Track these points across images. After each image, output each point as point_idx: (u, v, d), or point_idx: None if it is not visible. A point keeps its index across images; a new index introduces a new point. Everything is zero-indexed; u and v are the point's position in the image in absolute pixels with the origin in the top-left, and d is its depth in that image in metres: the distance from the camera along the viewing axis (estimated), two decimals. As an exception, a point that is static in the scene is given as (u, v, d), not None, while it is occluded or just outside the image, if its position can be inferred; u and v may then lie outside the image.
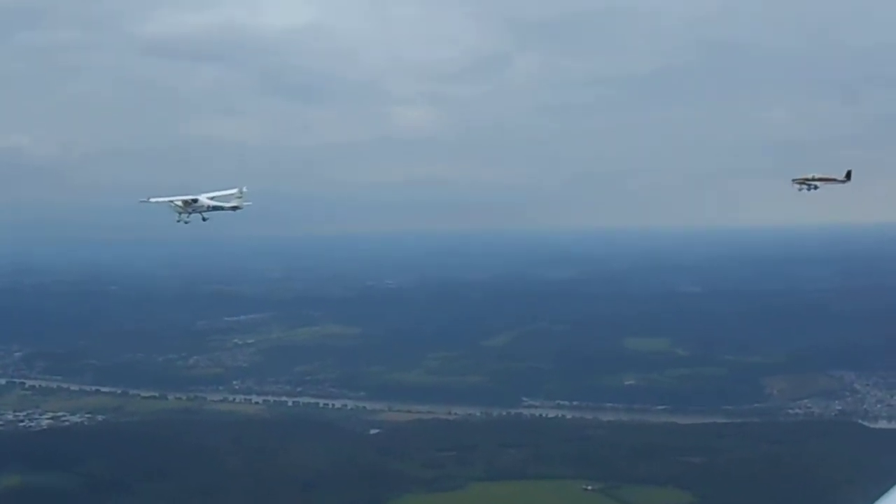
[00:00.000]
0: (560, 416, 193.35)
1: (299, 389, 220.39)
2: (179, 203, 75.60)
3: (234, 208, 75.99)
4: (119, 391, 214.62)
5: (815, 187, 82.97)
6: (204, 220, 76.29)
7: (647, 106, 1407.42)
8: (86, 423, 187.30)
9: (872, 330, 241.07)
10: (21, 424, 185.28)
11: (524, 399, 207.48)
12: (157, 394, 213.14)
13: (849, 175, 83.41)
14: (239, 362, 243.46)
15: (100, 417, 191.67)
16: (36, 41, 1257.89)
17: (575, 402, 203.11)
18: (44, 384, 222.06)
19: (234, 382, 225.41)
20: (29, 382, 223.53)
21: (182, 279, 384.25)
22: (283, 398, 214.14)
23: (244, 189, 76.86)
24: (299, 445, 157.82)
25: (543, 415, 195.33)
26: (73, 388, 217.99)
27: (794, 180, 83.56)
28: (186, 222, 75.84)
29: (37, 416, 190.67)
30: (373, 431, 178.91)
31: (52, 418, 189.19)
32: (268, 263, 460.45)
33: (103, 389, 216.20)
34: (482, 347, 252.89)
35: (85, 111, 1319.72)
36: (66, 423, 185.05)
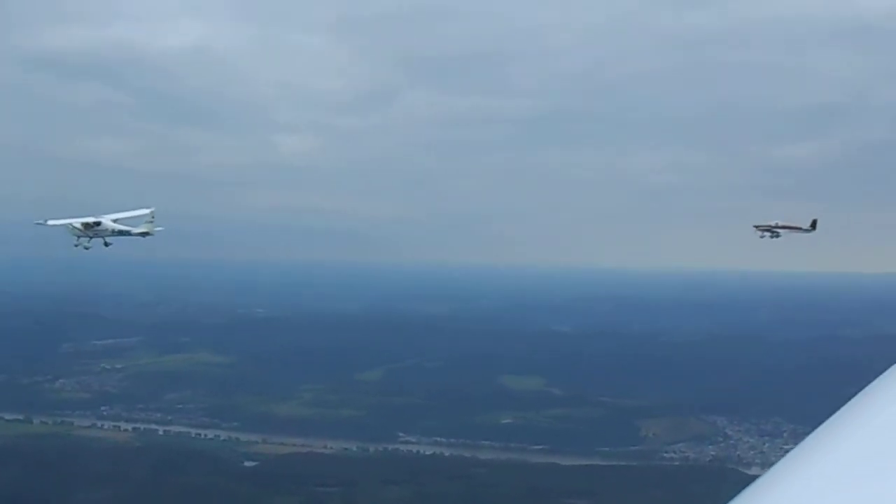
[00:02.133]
0: (438, 452, 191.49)
1: (170, 418, 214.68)
2: (80, 226, 70.29)
3: (144, 234, 70.76)
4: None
5: (778, 235, 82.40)
6: (106, 245, 71.31)
7: (530, 147, 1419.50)
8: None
9: (743, 376, 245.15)
10: None
11: (400, 434, 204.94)
12: (21, 417, 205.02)
13: (814, 224, 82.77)
14: (107, 387, 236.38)
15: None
16: None
17: (452, 440, 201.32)
18: None
19: (103, 408, 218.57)
20: None
21: (48, 299, 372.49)
22: (154, 426, 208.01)
23: (153, 212, 72.15)
24: (172, 476, 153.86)
25: (421, 451, 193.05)
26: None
27: (756, 226, 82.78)
28: (87, 248, 70.48)
29: None
30: (248, 464, 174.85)
31: None
32: (137, 287, 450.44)
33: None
34: (356, 381, 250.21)
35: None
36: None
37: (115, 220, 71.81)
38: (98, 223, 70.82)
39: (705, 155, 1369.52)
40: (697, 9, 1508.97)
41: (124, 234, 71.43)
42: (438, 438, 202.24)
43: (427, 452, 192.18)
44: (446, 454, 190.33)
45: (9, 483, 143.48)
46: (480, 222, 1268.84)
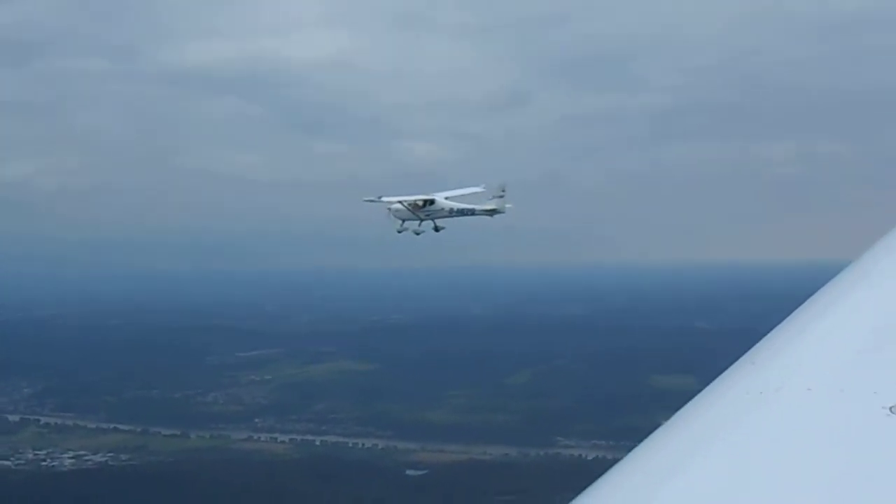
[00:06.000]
0: (601, 456, 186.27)
1: (324, 428, 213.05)
2: (408, 205, 62.03)
3: (492, 212, 61.04)
4: (139, 429, 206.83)
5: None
6: (437, 230, 62.29)
7: (658, 142, 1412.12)
8: (110, 462, 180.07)
9: None
10: (43, 464, 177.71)
11: (559, 439, 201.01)
12: (178, 432, 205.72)
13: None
14: (258, 399, 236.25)
15: (123, 457, 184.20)
16: (53, 68, 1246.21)
17: (611, 442, 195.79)
18: (59, 421, 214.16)
19: (256, 420, 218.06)
20: (43, 419, 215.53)
21: (180, 312, 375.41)
22: (309, 437, 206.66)
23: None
24: (339, 487, 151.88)
25: (583, 455, 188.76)
26: (90, 425, 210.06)
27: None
28: (417, 233, 61.95)
29: (58, 456, 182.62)
30: (411, 472, 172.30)
31: (74, 458, 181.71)
32: (259, 297, 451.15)
33: (121, 427, 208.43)
34: (504, 385, 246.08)
35: (93, 142, 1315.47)
36: (90, 464, 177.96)
37: (447, 198, 63.22)
38: (431, 202, 62.21)
39: (841, 145, 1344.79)
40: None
41: (466, 214, 62.25)
42: (597, 441, 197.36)
43: (589, 457, 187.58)
44: (609, 457, 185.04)
45: (178, 499, 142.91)
46: (605, 221, 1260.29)
